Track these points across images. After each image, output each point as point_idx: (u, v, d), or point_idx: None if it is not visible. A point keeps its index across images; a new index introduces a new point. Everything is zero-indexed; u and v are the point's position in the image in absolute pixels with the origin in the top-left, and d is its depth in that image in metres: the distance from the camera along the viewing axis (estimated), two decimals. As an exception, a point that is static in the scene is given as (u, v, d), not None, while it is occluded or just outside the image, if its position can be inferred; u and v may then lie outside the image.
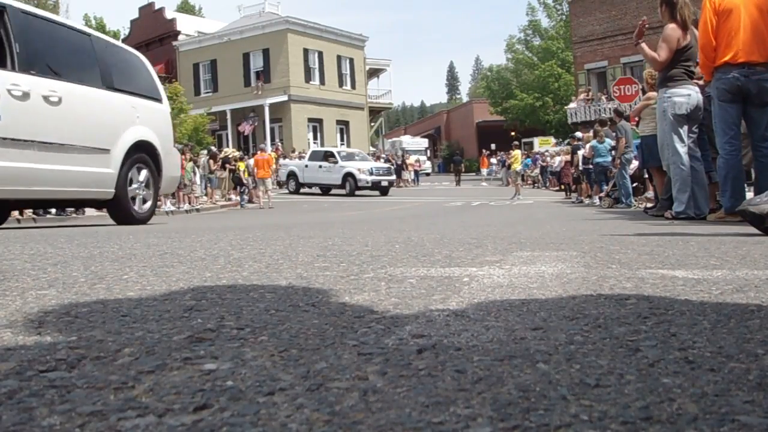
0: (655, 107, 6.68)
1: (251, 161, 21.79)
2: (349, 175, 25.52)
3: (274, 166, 23.18)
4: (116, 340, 1.26)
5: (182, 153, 17.05)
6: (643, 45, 6.14)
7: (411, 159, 42.21)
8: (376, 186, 25.17)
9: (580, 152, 16.20)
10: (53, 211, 13.19)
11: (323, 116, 41.18)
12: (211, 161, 20.03)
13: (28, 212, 12.43)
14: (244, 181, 19.86)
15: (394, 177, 26.81)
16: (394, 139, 60.09)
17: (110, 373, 1.02)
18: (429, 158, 55.66)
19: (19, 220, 11.78)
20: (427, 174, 51.02)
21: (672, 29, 5.98)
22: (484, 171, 42.46)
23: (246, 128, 38.43)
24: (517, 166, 21.85)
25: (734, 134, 5.27)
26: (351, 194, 24.83)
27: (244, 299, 1.73)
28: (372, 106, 47.23)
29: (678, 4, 5.94)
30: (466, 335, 1.27)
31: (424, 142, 57.01)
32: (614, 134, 13.02)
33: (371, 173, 25.22)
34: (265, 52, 39.64)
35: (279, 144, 35.82)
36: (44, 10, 39.52)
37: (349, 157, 27.28)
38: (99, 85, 6.78)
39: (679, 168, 5.92)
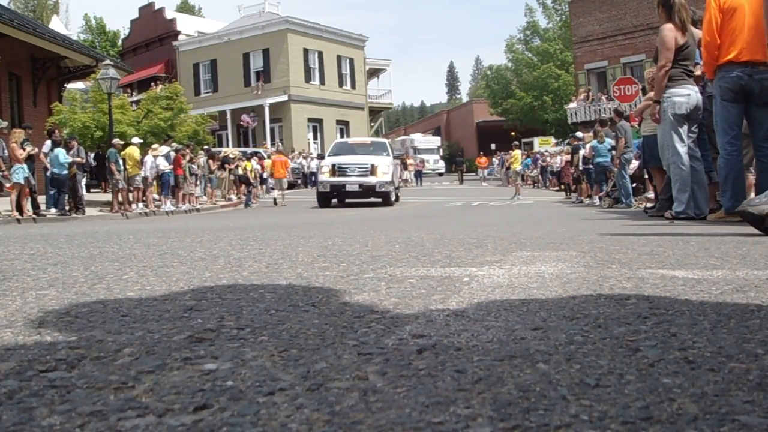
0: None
1: (253, 161, 21.94)
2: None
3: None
4: (116, 340, 1.26)
5: (182, 153, 17.08)
6: (644, 105, 6.23)
7: (413, 159, 41.89)
8: (337, 191, 16.18)
9: (581, 152, 16.20)
10: (53, 210, 13.18)
11: (323, 116, 41.18)
12: (210, 161, 20.05)
13: (28, 212, 12.43)
14: (251, 181, 20.03)
15: (380, 179, 16.02)
16: (404, 137, 56.85)
17: (110, 373, 1.02)
18: (442, 157, 52.49)
19: (19, 221, 11.78)
20: (440, 174, 48.54)
21: (669, 29, 5.98)
22: (483, 172, 42.42)
23: (246, 120, 38.29)
24: (517, 166, 21.84)
25: (736, 134, 5.26)
26: (321, 203, 16.44)
27: (244, 299, 1.73)
28: (372, 106, 47.18)
29: (675, 6, 5.94)
30: (466, 335, 1.27)
31: (436, 141, 54.06)
32: (614, 134, 13.03)
33: (335, 172, 16.16)
34: (265, 52, 39.64)
35: (279, 144, 35.84)
36: (44, 9, 39.21)
37: (356, 150, 17.87)
38: None
39: (679, 168, 5.91)
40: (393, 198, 16.58)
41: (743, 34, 5.15)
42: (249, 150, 28.45)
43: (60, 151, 13.34)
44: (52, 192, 13.32)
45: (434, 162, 50.69)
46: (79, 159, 14.41)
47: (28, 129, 13.78)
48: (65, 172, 13.25)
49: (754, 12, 5.14)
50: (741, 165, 5.34)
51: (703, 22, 5.53)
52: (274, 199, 19.22)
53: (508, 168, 30.72)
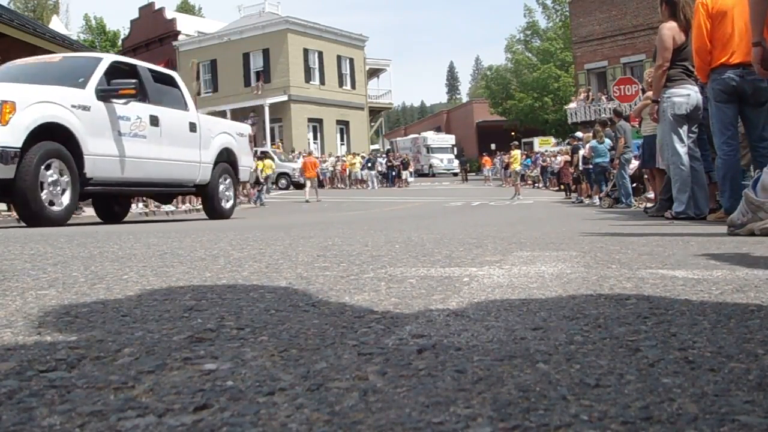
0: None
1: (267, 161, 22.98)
2: None
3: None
4: (116, 340, 1.26)
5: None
6: (642, 104, 6.22)
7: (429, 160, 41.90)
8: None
9: (580, 152, 16.21)
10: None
11: (323, 116, 41.20)
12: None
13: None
14: (261, 180, 20.67)
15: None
16: (414, 135, 53.50)
17: (110, 373, 1.02)
18: (456, 156, 48.87)
19: (19, 220, 11.76)
20: (455, 174, 45.58)
21: (668, 29, 5.98)
22: (488, 171, 42.33)
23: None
24: (517, 167, 21.86)
25: (731, 134, 5.28)
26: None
27: (244, 299, 1.73)
28: (372, 106, 47.17)
29: (680, 4, 5.94)
30: (466, 335, 1.27)
31: (450, 139, 50.04)
32: (614, 134, 13.04)
33: None
34: (265, 52, 39.65)
35: (279, 144, 35.85)
36: (44, 9, 39.21)
37: (30, 75, 8.01)
38: None
39: (679, 168, 5.92)
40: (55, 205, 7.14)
41: (734, 38, 5.17)
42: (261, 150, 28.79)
43: None
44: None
45: (448, 162, 47.69)
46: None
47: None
48: None
49: (744, 15, 5.15)
50: (738, 165, 5.35)
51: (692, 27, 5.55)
52: (307, 199, 20.14)
53: (506, 168, 30.81)
